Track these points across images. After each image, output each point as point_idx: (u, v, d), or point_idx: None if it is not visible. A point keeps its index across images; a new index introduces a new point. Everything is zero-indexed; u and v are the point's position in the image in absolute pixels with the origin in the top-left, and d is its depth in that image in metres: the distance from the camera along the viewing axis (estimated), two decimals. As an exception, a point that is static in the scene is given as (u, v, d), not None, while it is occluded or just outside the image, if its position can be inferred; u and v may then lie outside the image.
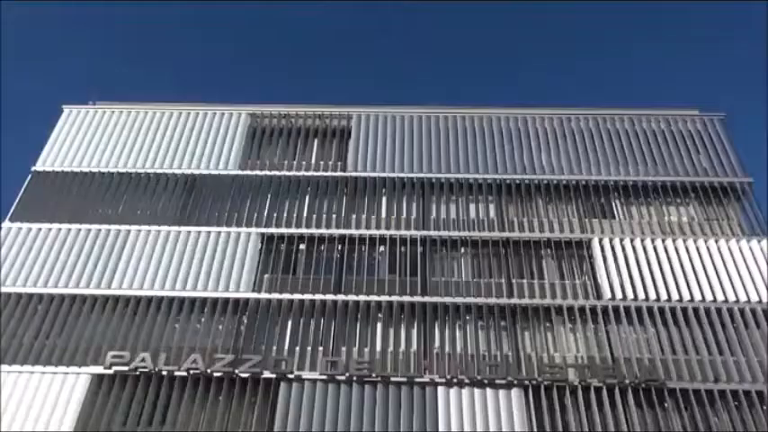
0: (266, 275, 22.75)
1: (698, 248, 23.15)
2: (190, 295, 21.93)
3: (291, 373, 20.15)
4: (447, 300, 21.98)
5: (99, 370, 20.08)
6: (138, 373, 20.00)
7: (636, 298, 21.87)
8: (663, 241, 23.42)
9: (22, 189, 25.22)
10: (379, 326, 21.43)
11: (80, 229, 23.80)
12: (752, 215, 24.22)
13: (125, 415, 19.30)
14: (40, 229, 23.79)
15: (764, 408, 19.31)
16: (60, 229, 23.80)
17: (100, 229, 23.78)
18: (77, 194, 25.12)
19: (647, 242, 23.40)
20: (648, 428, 19.00)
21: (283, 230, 23.98)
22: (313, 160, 26.64)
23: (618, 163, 25.99)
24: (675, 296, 21.88)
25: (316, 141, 27.36)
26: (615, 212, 24.65)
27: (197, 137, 27.15)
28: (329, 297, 22.02)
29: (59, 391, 19.65)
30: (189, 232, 23.76)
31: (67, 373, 20.04)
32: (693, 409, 19.31)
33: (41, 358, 20.39)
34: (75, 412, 19.18)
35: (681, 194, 24.94)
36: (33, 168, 25.92)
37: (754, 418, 19.10)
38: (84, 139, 27.04)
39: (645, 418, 19.22)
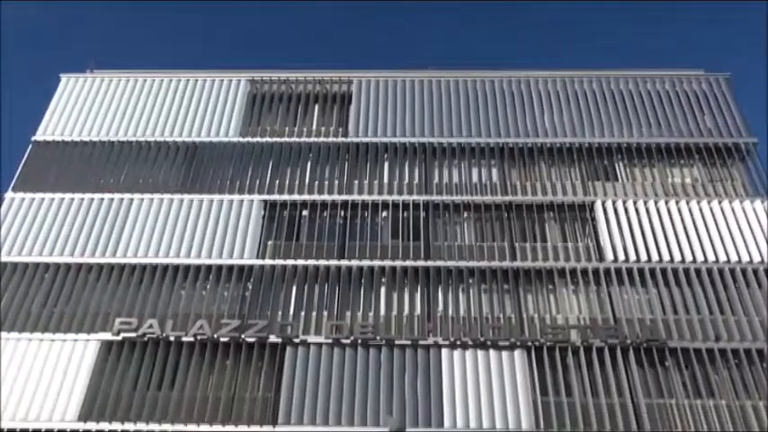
0: (270, 242, 22.86)
1: (701, 210, 23.14)
2: (195, 262, 22.09)
3: (297, 337, 20.43)
4: (450, 264, 22.11)
5: (107, 336, 20.41)
6: (146, 339, 20.32)
7: (638, 259, 21.98)
8: (666, 203, 23.40)
9: (23, 159, 25.19)
10: (382, 290, 21.62)
11: (83, 199, 23.85)
12: (755, 176, 24.12)
13: (135, 380, 19.69)
14: (42, 198, 23.84)
15: (764, 365, 19.59)
16: (63, 199, 23.84)
17: (102, 198, 23.83)
18: (78, 164, 25.08)
19: (651, 204, 23.38)
20: (649, 387, 19.34)
21: (286, 197, 24.00)
22: (314, 126, 26.48)
23: (621, 124, 25.78)
24: (678, 257, 21.98)
25: (316, 107, 27.14)
26: (618, 175, 24.56)
27: (197, 104, 26.94)
28: (333, 263, 22.16)
29: (69, 357, 20.02)
30: (191, 200, 23.79)
31: (77, 340, 20.39)
32: (694, 367, 19.63)
33: (50, 326, 20.70)
34: (86, 377, 19.58)
35: (685, 156, 24.79)
36: (33, 138, 25.83)
37: (753, 376, 19.42)
38: (84, 107, 26.86)
39: (646, 377, 19.55)
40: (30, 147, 25.61)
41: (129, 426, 18.76)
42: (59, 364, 19.83)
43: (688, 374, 19.57)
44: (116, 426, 18.76)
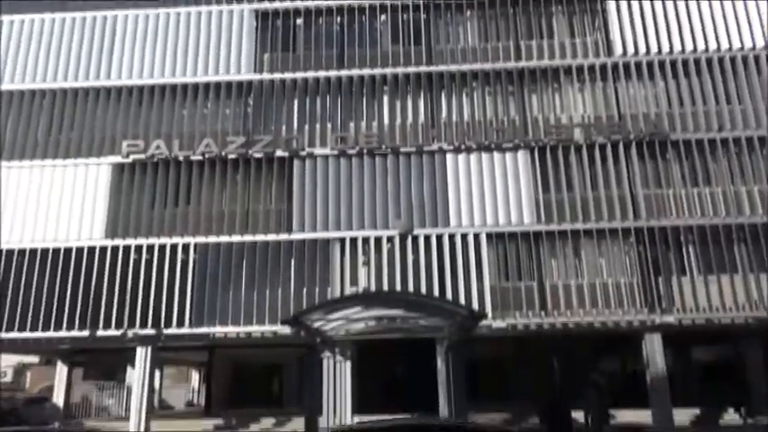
0: (266, 55, 22.06)
1: (710, -2, 21.75)
2: (192, 81, 21.62)
3: (303, 150, 20.73)
4: (453, 68, 21.48)
5: (117, 159, 20.81)
6: (155, 160, 20.72)
7: (648, 52, 21.21)
8: (679, -9, 21.88)
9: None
10: (385, 99, 21.35)
11: (74, 18, 22.63)
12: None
13: (151, 199, 20.53)
14: (33, 20, 22.67)
15: (764, 152, 19.92)
16: (54, 20, 22.66)
17: (85, 18, 22.59)
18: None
19: (664, -8, 21.88)
20: (648, 178, 19.95)
21: (277, 4, 22.58)
22: None
23: None
24: (689, 47, 21.17)
25: None
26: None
27: None
28: (332, 73, 21.59)
29: (85, 181, 20.67)
30: (179, 14, 22.51)
31: (88, 164, 20.86)
32: (694, 157, 20.04)
33: (59, 152, 21.04)
34: (104, 199, 20.43)
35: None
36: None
37: (752, 163, 19.87)
38: None
39: (646, 170, 20.07)
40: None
41: (153, 240, 19.98)
42: (77, 189, 20.56)
43: (687, 165, 20.06)
44: (141, 241, 20.00)
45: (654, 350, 18.71)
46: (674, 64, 20.98)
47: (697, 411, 19.69)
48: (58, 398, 23.74)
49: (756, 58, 20.89)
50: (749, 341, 21.30)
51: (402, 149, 20.59)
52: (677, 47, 21.19)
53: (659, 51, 21.19)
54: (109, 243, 20.00)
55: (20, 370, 38.86)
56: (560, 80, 21.23)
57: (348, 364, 18.53)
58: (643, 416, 18.10)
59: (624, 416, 16.82)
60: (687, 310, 18.71)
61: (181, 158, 20.72)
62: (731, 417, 19.65)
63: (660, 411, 18.15)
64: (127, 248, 19.93)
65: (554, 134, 20.41)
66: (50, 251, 19.84)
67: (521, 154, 20.39)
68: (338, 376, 17.06)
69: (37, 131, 21.32)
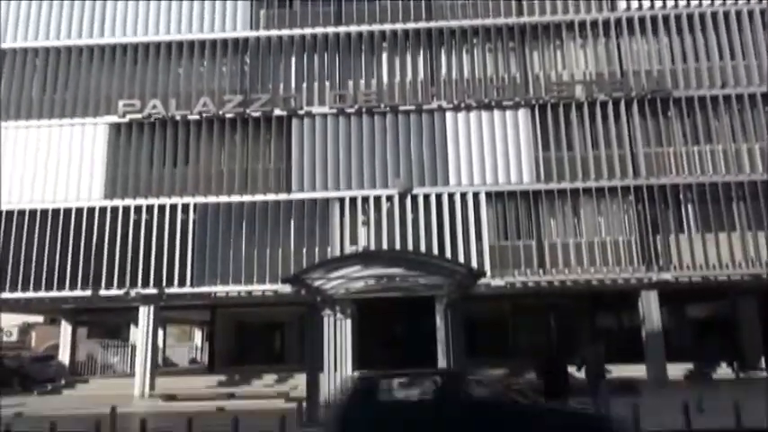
0: (262, 11, 21.60)
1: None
2: (188, 38, 21.23)
3: (301, 109, 20.51)
4: (453, 23, 21.06)
5: (114, 119, 20.61)
6: (152, 120, 20.53)
7: (652, 6, 20.79)
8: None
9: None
10: (384, 56, 21.01)
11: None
12: None
13: (149, 159, 20.43)
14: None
15: (766, 109, 19.73)
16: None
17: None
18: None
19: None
20: (649, 137, 19.82)
21: (273, -41, 21.98)
22: None
23: None
24: (694, 1, 20.74)
25: None
26: None
27: None
28: (330, 30, 21.18)
29: (81, 142, 20.52)
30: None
31: (85, 124, 20.69)
32: (696, 115, 19.88)
33: (54, 111, 20.82)
34: (102, 160, 20.34)
35: None
36: None
37: (753, 120, 19.72)
38: None
39: (647, 128, 19.92)
40: None
41: (152, 200, 19.97)
42: (74, 149, 20.43)
43: (689, 123, 19.90)
44: (140, 201, 19.99)
45: (650, 307, 18.95)
46: (678, 18, 20.58)
47: (690, 366, 20.08)
48: (64, 356, 24.14)
49: (762, 13, 20.47)
50: (744, 298, 21.57)
51: (401, 108, 20.38)
52: (682, 0, 20.74)
53: (663, 5, 20.76)
54: (108, 204, 19.99)
55: (25, 329, 39.44)
56: (562, 36, 20.86)
57: (348, 322, 18.69)
58: (638, 370, 18.47)
59: (620, 370, 17.08)
60: (684, 268, 18.86)
61: (178, 118, 20.51)
62: (724, 371, 20.06)
63: (654, 366, 18.53)
64: (126, 209, 19.94)
65: (555, 91, 20.17)
66: (50, 212, 19.84)
67: (521, 112, 20.20)
68: (339, 334, 17.23)
69: (31, 91, 21.05)
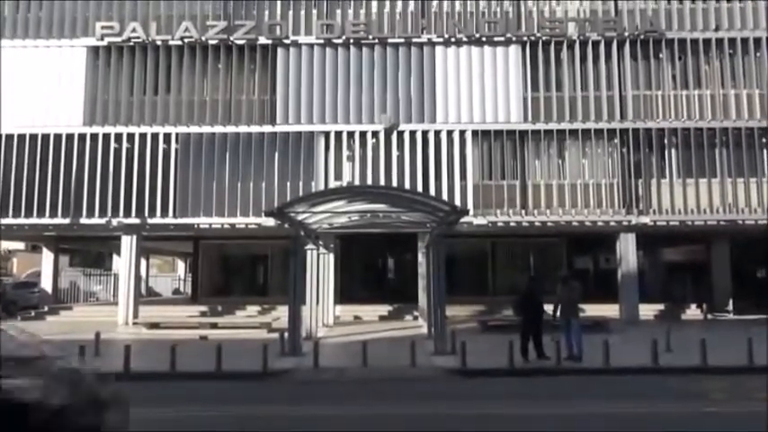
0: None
1: None
2: (167, -42, 20.20)
3: (287, 38, 19.88)
4: (446, -47, 20.24)
5: (92, 42, 19.84)
6: (132, 44, 19.79)
7: (652, -58, 20.15)
8: None
9: None
10: (373, -15, 20.25)
11: None
12: None
13: (130, 85, 19.85)
14: None
15: (758, 54, 19.57)
16: None
17: None
18: None
19: None
20: (639, 79, 19.64)
21: None
22: None
23: None
24: (695, -62, 20.13)
25: None
26: None
27: None
28: (318, -46, 20.27)
29: (59, 65, 19.77)
30: None
31: (62, 47, 19.89)
32: (687, 58, 19.68)
33: (29, 32, 19.96)
34: (81, 84, 19.68)
35: None
36: None
37: (744, 66, 19.58)
38: None
39: (638, 70, 19.71)
40: None
41: (133, 128, 19.54)
42: (51, 72, 19.69)
43: (680, 66, 19.73)
44: (121, 129, 19.55)
45: (627, 249, 19.34)
46: (677, -43, 19.99)
47: (661, 307, 20.77)
48: (46, 284, 24.22)
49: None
50: (718, 243, 22.12)
51: (390, 40, 19.85)
52: (683, -63, 20.11)
53: (663, -58, 20.12)
54: (88, 130, 19.53)
55: (5, 256, 39.31)
56: (558, -30, 20.21)
57: (331, 256, 18.94)
58: (612, 309, 19.07)
59: (594, 309, 17.66)
60: (663, 212, 19.15)
61: (159, 43, 19.80)
62: (693, 312, 20.81)
63: (628, 306, 19.12)
64: (107, 136, 19.52)
65: (547, 28, 19.74)
66: (27, 136, 19.35)
67: (512, 49, 19.80)
68: (321, 268, 17.47)
69: (4, 8, 20.06)
